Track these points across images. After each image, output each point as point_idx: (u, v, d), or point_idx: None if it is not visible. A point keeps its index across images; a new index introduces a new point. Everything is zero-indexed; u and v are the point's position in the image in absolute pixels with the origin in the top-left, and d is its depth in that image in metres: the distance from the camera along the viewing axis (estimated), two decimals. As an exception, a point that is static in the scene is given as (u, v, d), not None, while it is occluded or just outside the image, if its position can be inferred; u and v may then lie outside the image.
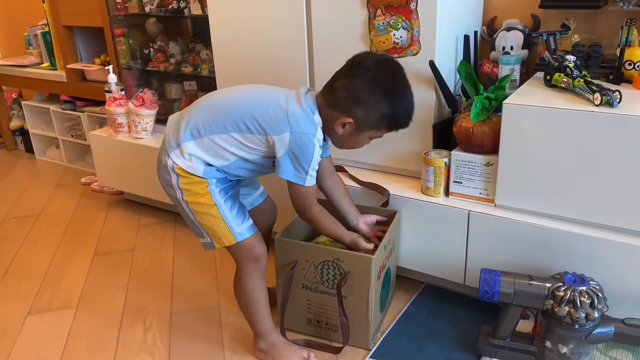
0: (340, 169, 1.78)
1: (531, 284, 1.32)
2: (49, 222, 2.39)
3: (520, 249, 1.44)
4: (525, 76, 1.66)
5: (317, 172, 1.35)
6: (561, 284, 1.28)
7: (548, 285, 1.30)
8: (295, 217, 1.58)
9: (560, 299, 1.26)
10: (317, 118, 1.29)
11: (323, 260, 1.41)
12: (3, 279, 1.94)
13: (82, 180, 2.79)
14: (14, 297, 1.83)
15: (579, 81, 1.36)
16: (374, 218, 1.55)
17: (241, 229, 1.35)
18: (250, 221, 1.38)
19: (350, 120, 1.27)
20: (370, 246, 1.44)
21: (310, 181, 1.31)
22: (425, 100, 1.57)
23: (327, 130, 1.32)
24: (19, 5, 3.38)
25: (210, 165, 1.32)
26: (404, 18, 1.50)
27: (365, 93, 1.24)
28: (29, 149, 3.27)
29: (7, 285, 1.91)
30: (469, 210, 1.49)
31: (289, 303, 1.49)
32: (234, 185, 1.41)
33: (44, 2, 2.70)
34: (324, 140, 1.35)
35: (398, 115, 1.28)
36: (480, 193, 1.51)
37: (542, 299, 1.30)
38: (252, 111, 1.28)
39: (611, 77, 1.46)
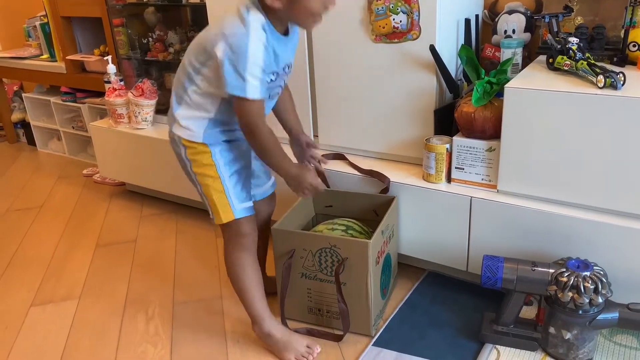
0: (340, 156, 1.77)
1: (534, 270, 1.30)
2: (51, 213, 2.39)
3: (523, 235, 1.43)
4: (527, 60, 1.64)
5: None
6: (564, 270, 1.26)
7: (551, 271, 1.29)
8: (292, 206, 1.57)
9: (564, 285, 1.24)
10: (254, 16, 1.19)
11: (320, 247, 1.40)
12: (6, 271, 1.95)
13: (84, 171, 2.79)
14: (17, 288, 1.83)
15: (582, 63, 1.33)
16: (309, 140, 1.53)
17: (241, 207, 1.36)
18: (251, 203, 1.40)
19: None
20: (318, 181, 1.35)
21: (253, 91, 1.19)
22: (426, 86, 1.55)
23: (280, 17, 1.22)
24: (18, -3, 3.36)
25: (207, 124, 1.33)
26: (403, 2, 1.48)
27: None
28: (31, 141, 3.27)
29: (10, 276, 1.91)
30: (471, 197, 1.47)
31: (290, 292, 1.48)
32: (239, 157, 1.39)
33: (42, -7, 2.68)
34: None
35: None
36: (482, 179, 1.50)
37: (545, 285, 1.28)
38: (197, 43, 1.29)
39: (615, 59, 1.43)
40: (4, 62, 3.06)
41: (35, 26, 2.95)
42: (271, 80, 1.26)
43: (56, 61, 2.83)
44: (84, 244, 2.09)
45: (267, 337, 1.43)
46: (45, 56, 2.92)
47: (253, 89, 1.19)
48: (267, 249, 1.65)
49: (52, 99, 2.92)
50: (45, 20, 2.82)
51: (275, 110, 1.47)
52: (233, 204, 1.35)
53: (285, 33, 1.27)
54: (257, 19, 1.19)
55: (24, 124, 3.30)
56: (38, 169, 2.95)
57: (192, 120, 1.33)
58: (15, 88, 3.43)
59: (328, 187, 1.69)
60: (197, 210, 2.25)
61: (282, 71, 1.30)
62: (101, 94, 2.52)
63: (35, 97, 3.08)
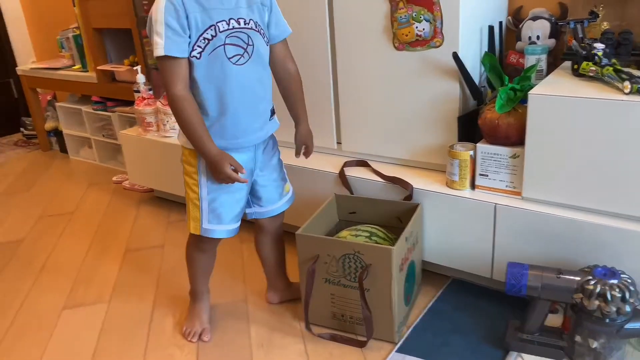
0: (363, 163, 1.78)
1: (559, 277, 1.29)
2: (82, 219, 2.46)
3: (548, 242, 1.41)
4: (552, 66, 1.63)
5: (270, 61, 1.35)
6: (591, 277, 1.25)
7: (577, 278, 1.27)
8: (316, 212, 1.59)
9: (590, 293, 1.23)
10: None
11: (344, 253, 1.41)
12: (40, 275, 2.01)
13: (114, 178, 2.86)
14: (50, 291, 1.89)
15: (608, 69, 1.32)
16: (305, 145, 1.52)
17: (209, 227, 1.39)
18: (226, 227, 1.40)
19: None
20: (240, 178, 1.30)
21: (159, 49, 1.17)
22: (449, 93, 1.55)
23: None
24: (52, 10, 3.48)
25: None
26: (426, 10, 1.49)
27: None
28: (63, 149, 3.37)
29: (43, 280, 1.98)
30: (496, 204, 1.47)
31: (314, 298, 1.50)
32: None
33: (74, 6, 2.77)
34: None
35: None
36: (506, 186, 1.49)
37: (571, 293, 1.27)
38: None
39: (642, 64, 1.42)
40: (38, 72, 3.17)
41: (68, 38, 3.05)
42: (212, 36, 1.21)
43: (87, 71, 2.92)
44: (113, 249, 2.15)
45: (190, 304, 1.61)
46: (77, 67, 3.02)
47: (158, 46, 1.18)
48: (283, 258, 1.67)
49: (84, 108, 3.01)
50: (78, 32, 2.91)
51: (281, 93, 1.46)
52: (202, 221, 1.38)
53: None
54: None
55: (57, 132, 3.40)
56: (70, 176, 3.04)
57: None
58: (48, 98, 3.54)
59: (351, 193, 1.71)
60: (222, 217, 2.29)
61: (225, 25, 1.22)
62: (131, 102, 2.59)
63: (67, 106, 3.17)
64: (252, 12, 1.27)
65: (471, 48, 1.57)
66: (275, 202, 1.52)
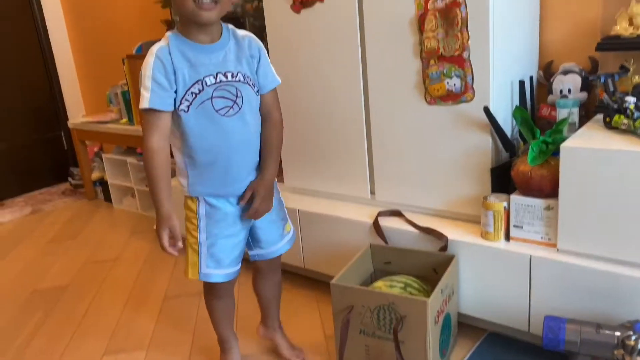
0: (397, 213, 1.81)
1: (599, 332, 1.27)
2: (124, 267, 2.54)
3: (586, 296, 1.39)
4: (585, 119, 1.64)
5: (260, 108, 1.38)
6: (632, 333, 1.22)
7: (617, 334, 1.25)
8: (350, 262, 1.61)
9: (632, 349, 1.20)
10: (167, 35, 1.28)
11: (379, 304, 1.42)
12: (82, 320, 2.08)
13: (155, 226, 2.95)
14: (92, 337, 1.95)
15: (640, 122, 1.34)
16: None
17: (208, 271, 1.41)
18: (226, 270, 1.42)
19: None
20: (169, 248, 1.31)
21: (142, 102, 1.22)
22: (481, 145, 1.58)
23: (183, 19, 1.27)
24: (103, 68, 3.72)
25: (185, 168, 1.37)
26: (457, 67, 1.55)
27: None
28: (107, 198, 3.51)
29: (85, 326, 2.04)
30: (531, 255, 1.46)
31: (348, 349, 1.50)
32: (225, 223, 1.40)
33: (124, 64, 2.96)
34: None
35: None
36: (541, 237, 1.49)
37: (611, 349, 1.24)
38: None
39: (676, 117, 1.42)
40: (87, 126, 3.36)
41: (116, 93, 3.24)
42: (199, 90, 1.26)
43: (134, 125, 3.08)
44: (152, 297, 2.21)
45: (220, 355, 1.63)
46: (124, 120, 3.19)
47: (143, 99, 1.23)
48: (278, 299, 1.67)
49: (129, 159, 3.16)
50: (126, 88, 3.10)
51: (260, 139, 1.41)
52: (201, 266, 1.41)
53: (213, 41, 1.29)
54: (168, 37, 1.28)
55: (102, 182, 3.56)
56: (113, 225, 3.15)
57: (180, 165, 1.39)
58: (95, 149, 3.72)
59: (386, 243, 1.73)
60: (258, 265, 2.33)
61: (212, 80, 1.27)
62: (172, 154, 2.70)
63: (113, 158, 3.33)
64: (240, 65, 1.32)
65: (502, 102, 1.61)
66: (276, 243, 1.52)
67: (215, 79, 1.28)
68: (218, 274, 1.43)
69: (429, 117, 1.65)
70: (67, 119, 3.88)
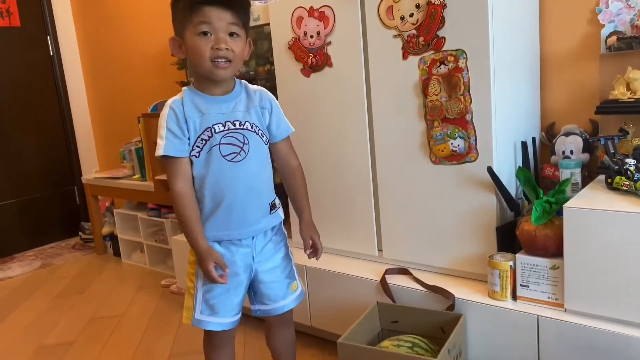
0: (404, 271, 1.82)
1: (610, 395, 1.24)
2: (130, 322, 2.53)
3: (596, 357, 1.37)
4: (587, 179, 1.68)
5: (274, 157, 1.46)
6: (643, 397, 1.20)
7: (629, 397, 1.22)
8: (358, 320, 1.61)
9: (644, 414, 1.18)
10: (182, 90, 1.39)
11: (388, 364, 1.41)
12: (86, 378, 2.06)
13: (162, 282, 2.96)
14: (95, 395, 1.93)
15: (641, 184, 1.36)
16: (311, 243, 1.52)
17: (202, 317, 1.42)
18: (221, 319, 1.43)
19: (172, 37, 1.37)
20: (219, 278, 1.34)
21: (159, 149, 1.32)
22: (486, 204, 1.61)
23: (198, 73, 1.37)
24: (118, 126, 3.85)
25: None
26: (460, 128, 1.60)
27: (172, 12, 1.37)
28: (117, 252, 3.54)
29: (89, 383, 2.02)
30: (538, 315, 1.46)
31: (355, 409, 1.48)
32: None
33: (139, 122, 3.06)
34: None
35: None
36: (548, 297, 1.49)
37: (623, 413, 1.22)
38: None
39: (677, 178, 1.45)
40: (101, 181, 3.43)
41: (130, 150, 3.34)
42: (208, 137, 1.34)
43: (146, 180, 3.15)
44: (159, 353, 2.19)
45: None
46: (136, 176, 3.26)
47: (159, 147, 1.33)
48: (293, 355, 1.65)
49: (139, 214, 3.20)
50: (140, 145, 3.19)
51: (285, 188, 1.53)
52: (195, 311, 1.42)
53: (224, 93, 1.39)
54: (184, 91, 1.38)
55: (112, 237, 3.59)
56: (121, 279, 3.16)
57: None
58: (107, 204, 3.78)
59: (393, 301, 1.72)
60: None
61: (221, 127, 1.35)
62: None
63: (124, 212, 3.38)
64: (249, 115, 1.40)
65: (506, 162, 1.65)
66: (279, 300, 1.51)
67: (224, 126, 1.36)
68: (212, 322, 1.43)
69: (435, 177, 1.69)
70: (80, 174, 3.97)
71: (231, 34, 1.32)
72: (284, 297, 1.52)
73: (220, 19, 1.29)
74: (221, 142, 1.35)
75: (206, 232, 1.39)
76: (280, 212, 1.51)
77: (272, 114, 1.46)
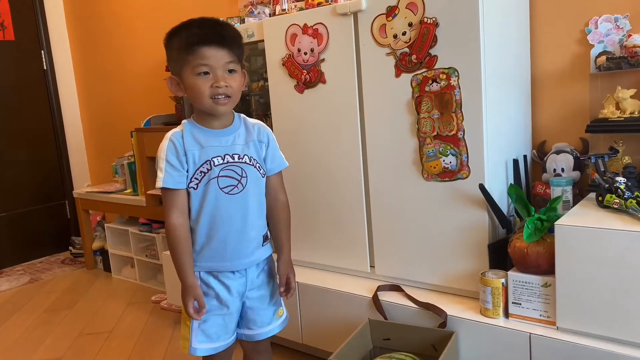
0: (396, 288, 1.81)
1: (602, 415, 1.24)
2: (119, 339, 2.49)
3: (588, 376, 1.37)
4: (579, 197, 1.69)
5: (267, 189, 1.46)
6: (635, 416, 1.20)
7: (621, 417, 1.22)
8: (349, 338, 1.60)
9: None
10: (183, 123, 1.42)
11: (379, 382, 1.40)
12: (73, 395, 2.02)
13: (153, 298, 2.93)
14: (82, 413, 1.89)
15: (631, 202, 1.37)
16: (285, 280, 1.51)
17: (198, 346, 1.42)
18: (215, 344, 1.43)
19: (169, 76, 1.39)
20: (195, 314, 1.37)
21: (158, 181, 1.35)
22: (478, 221, 1.62)
23: (198, 109, 1.40)
24: (110, 141, 3.83)
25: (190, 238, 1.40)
26: (452, 145, 1.61)
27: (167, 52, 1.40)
28: (107, 268, 3.50)
29: (76, 401, 1.98)
30: (530, 333, 1.46)
31: None
32: (217, 300, 1.42)
33: (132, 137, 3.06)
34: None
35: (174, 32, 1.36)
36: (540, 315, 1.49)
37: None
38: None
39: (666, 197, 1.46)
40: (92, 196, 3.41)
41: (122, 165, 3.32)
42: (207, 170, 1.36)
43: (138, 195, 3.13)
44: (147, 371, 2.16)
45: None
46: (128, 191, 3.25)
47: (158, 179, 1.35)
48: None
49: (130, 229, 3.18)
50: (132, 160, 3.18)
51: (268, 220, 1.51)
52: (192, 340, 1.42)
53: (224, 127, 1.41)
54: (184, 124, 1.41)
55: (103, 252, 3.56)
56: (111, 295, 3.13)
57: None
58: (98, 218, 3.76)
59: (385, 318, 1.71)
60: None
61: (220, 160, 1.37)
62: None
63: (115, 227, 3.36)
64: (247, 148, 1.42)
65: (498, 179, 1.66)
66: (265, 326, 1.51)
67: (223, 159, 1.38)
68: (209, 348, 1.44)
69: (427, 193, 1.70)
70: (72, 188, 3.94)
71: (229, 71, 1.35)
72: (269, 323, 1.52)
73: (218, 57, 1.32)
74: (220, 174, 1.37)
75: (200, 262, 1.41)
76: (271, 243, 1.52)
77: (268, 148, 1.48)
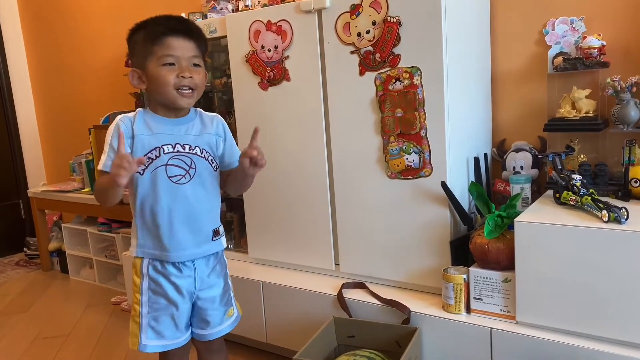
0: (361, 285, 1.82)
1: (560, 406, 1.27)
2: (77, 342, 2.42)
3: (546, 368, 1.41)
4: (537, 194, 1.73)
5: (224, 166, 1.45)
6: (591, 406, 1.24)
7: (577, 407, 1.26)
8: (314, 336, 1.60)
9: (592, 423, 1.21)
10: (137, 110, 1.40)
11: (344, 380, 1.40)
12: (28, 402, 1.95)
13: (112, 299, 2.86)
14: (38, 420, 1.82)
15: (587, 199, 1.42)
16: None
17: (148, 342, 1.41)
18: (165, 342, 1.42)
19: (130, 70, 1.38)
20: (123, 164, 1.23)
21: (100, 163, 1.34)
22: (440, 218, 1.64)
23: (157, 100, 1.38)
24: (67, 137, 3.71)
25: (138, 224, 1.39)
26: (415, 144, 1.63)
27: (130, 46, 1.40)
28: (64, 269, 3.39)
29: (31, 408, 1.91)
30: (491, 328, 1.49)
31: None
32: (167, 297, 1.40)
33: (90, 134, 2.97)
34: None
35: (140, 26, 1.36)
36: (501, 310, 1.52)
37: (572, 423, 1.25)
38: None
39: (619, 193, 1.52)
40: (48, 195, 3.30)
41: (80, 163, 3.22)
42: (155, 156, 1.34)
43: (96, 194, 3.04)
44: (107, 374, 2.10)
45: None
46: (86, 190, 3.15)
47: (100, 162, 1.35)
48: None
49: (89, 229, 3.09)
50: (90, 158, 3.09)
51: (228, 180, 1.47)
52: (141, 337, 1.41)
53: (177, 117, 1.40)
54: (138, 111, 1.40)
55: (59, 253, 3.45)
56: (69, 297, 3.03)
57: (132, 229, 1.43)
58: (55, 218, 3.63)
59: (350, 316, 1.71)
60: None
61: (170, 148, 1.35)
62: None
63: (73, 227, 3.26)
64: (200, 140, 1.41)
65: (459, 177, 1.68)
66: (216, 326, 1.49)
67: (173, 148, 1.37)
68: (159, 345, 1.42)
69: (391, 191, 1.71)
70: (27, 187, 3.80)
71: (194, 65, 1.35)
72: (220, 323, 1.50)
73: (184, 49, 1.33)
74: (168, 163, 1.36)
75: (145, 248, 1.40)
76: (223, 240, 1.49)
77: (225, 142, 1.47)
